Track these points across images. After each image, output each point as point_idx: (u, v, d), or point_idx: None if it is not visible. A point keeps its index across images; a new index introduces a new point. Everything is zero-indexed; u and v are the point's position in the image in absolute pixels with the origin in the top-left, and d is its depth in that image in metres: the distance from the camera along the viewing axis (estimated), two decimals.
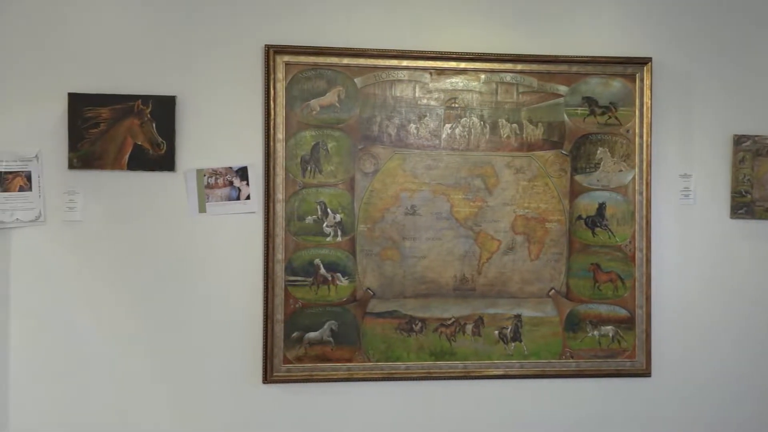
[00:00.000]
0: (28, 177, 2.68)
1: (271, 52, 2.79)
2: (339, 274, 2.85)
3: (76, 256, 2.73)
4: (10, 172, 2.67)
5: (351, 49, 2.85)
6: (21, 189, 2.68)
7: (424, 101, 2.88)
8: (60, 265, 2.73)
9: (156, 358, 2.78)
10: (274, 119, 2.80)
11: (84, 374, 2.75)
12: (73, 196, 2.72)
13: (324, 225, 2.84)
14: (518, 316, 2.92)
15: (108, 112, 2.71)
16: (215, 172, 2.78)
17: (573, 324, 2.94)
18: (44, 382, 2.73)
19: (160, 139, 2.73)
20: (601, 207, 2.94)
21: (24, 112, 2.70)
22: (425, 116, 2.88)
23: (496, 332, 2.91)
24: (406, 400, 2.90)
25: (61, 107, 2.70)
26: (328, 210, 2.84)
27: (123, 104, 2.71)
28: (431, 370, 2.89)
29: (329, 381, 2.85)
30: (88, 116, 2.70)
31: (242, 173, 2.79)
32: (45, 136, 2.71)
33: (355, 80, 2.85)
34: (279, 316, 2.81)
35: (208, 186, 2.78)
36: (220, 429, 2.81)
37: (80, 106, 2.69)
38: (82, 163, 2.70)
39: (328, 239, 2.84)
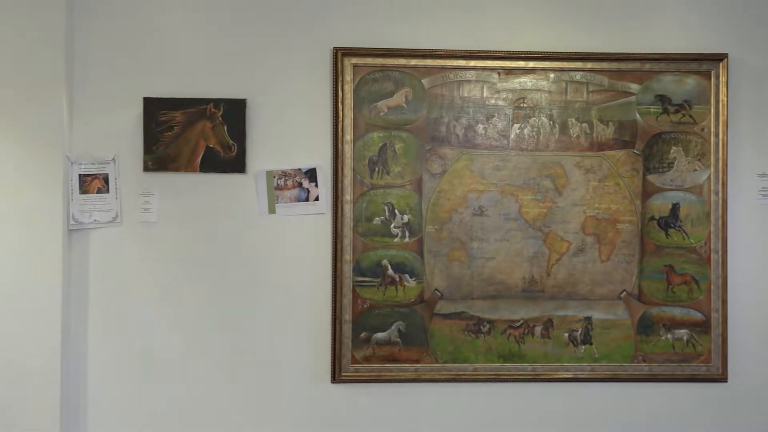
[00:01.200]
0: (106, 179, 2.76)
1: (340, 54, 2.81)
2: (406, 275, 2.85)
3: (150, 256, 2.80)
4: (89, 175, 2.76)
5: (419, 50, 2.84)
6: (99, 191, 2.76)
7: (492, 101, 2.86)
8: (135, 264, 2.80)
9: (226, 357, 2.83)
10: (343, 121, 2.82)
11: (157, 371, 2.82)
12: (148, 198, 2.78)
13: (392, 226, 2.84)
14: (588, 319, 2.87)
15: (181, 116, 2.76)
16: (285, 174, 2.82)
17: (645, 327, 2.87)
18: (119, 378, 2.81)
19: (231, 142, 2.78)
20: (675, 207, 2.87)
21: (102, 116, 2.78)
22: (493, 116, 2.86)
23: (566, 335, 2.87)
24: (474, 402, 2.89)
25: (137, 111, 2.77)
26: (396, 211, 2.84)
27: (195, 108, 2.77)
28: (499, 373, 2.86)
29: (397, 381, 2.85)
30: (162, 120, 2.76)
31: (311, 175, 2.82)
32: (122, 139, 2.78)
33: (423, 81, 2.85)
34: (347, 316, 2.83)
35: (278, 187, 2.81)
36: (289, 428, 2.84)
37: (155, 110, 2.76)
38: (156, 166, 2.77)
39: (395, 240, 2.84)
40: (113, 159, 2.78)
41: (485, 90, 2.86)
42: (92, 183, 2.76)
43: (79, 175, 2.75)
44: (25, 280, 2.67)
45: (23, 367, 2.67)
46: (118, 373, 2.81)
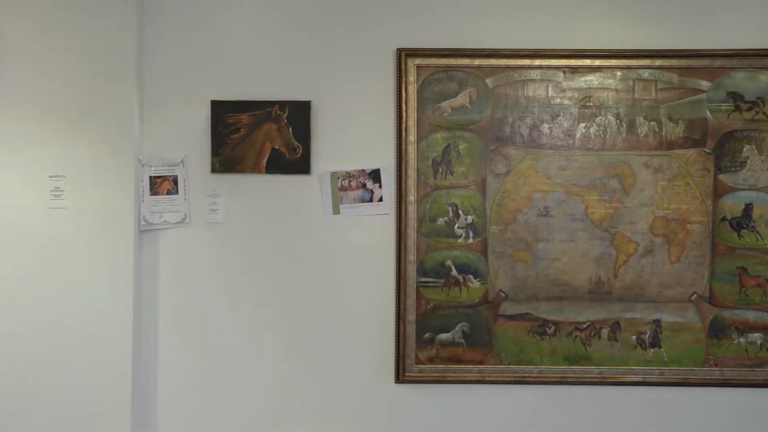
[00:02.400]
0: (175, 181, 2.82)
1: (403, 55, 2.81)
2: (470, 276, 2.83)
3: (218, 256, 2.85)
4: (159, 177, 2.82)
5: (482, 50, 2.83)
6: (168, 192, 2.82)
7: (558, 100, 2.83)
8: (203, 264, 2.85)
9: (292, 356, 2.86)
10: (406, 122, 2.82)
11: (224, 370, 2.86)
12: (216, 199, 2.83)
13: (455, 226, 2.83)
14: (657, 321, 2.81)
15: (247, 118, 2.80)
16: (349, 175, 2.83)
17: (717, 330, 2.80)
18: (189, 377, 2.86)
19: (296, 143, 2.81)
20: (748, 207, 2.79)
21: (171, 119, 2.84)
22: (558, 116, 2.83)
23: (634, 337, 2.82)
24: (539, 405, 2.86)
25: (205, 114, 2.82)
26: (460, 211, 2.83)
27: (261, 110, 2.80)
28: (565, 375, 2.83)
29: (461, 383, 2.84)
30: (229, 122, 2.80)
31: (375, 175, 2.83)
32: (190, 141, 2.83)
33: (487, 81, 2.83)
34: (411, 316, 2.83)
35: (342, 188, 2.83)
36: (352, 427, 2.86)
37: (222, 112, 2.80)
38: (223, 167, 2.81)
39: (459, 241, 2.83)
40: (182, 161, 2.83)
41: (550, 89, 2.83)
42: (162, 185, 2.82)
43: (150, 177, 2.81)
44: (98, 280, 2.74)
45: (95, 365, 2.74)
46: (187, 372, 2.86)
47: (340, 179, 2.83)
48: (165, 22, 2.84)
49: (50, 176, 2.72)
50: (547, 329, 2.83)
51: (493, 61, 2.83)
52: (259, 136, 2.81)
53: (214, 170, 2.82)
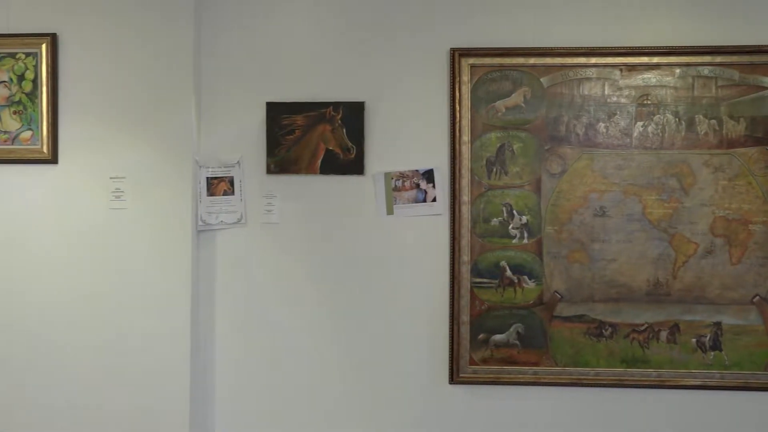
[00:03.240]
0: (231, 182, 2.86)
1: (457, 54, 2.80)
2: (525, 277, 2.81)
3: (273, 256, 2.88)
4: (216, 178, 2.86)
5: (537, 48, 2.80)
6: (225, 193, 2.86)
7: (614, 99, 2.79)
8: (259, 264, 2.88)
9: (345, 355, 2.87)
10: (460, 122, 2.81)
11: (279, 369, 2.89)
12: (271, 200, 2.86)
13: (510, 227, 2.81)
14: (718, 324, 2.75)
15: (302, 119, 2.83)
16: (402, 175, 2.83)
17: None
18: (245, 375, 2.90)
19: (350, 144, 2.82)
20: None
21: (228, 121, 2.89)
22: (615, 114, 2.78)
23: (694, 340, 2.76)
24: (595, 407, 2.82)
25: (260, 116, 2.85)
26: (514, 212, 2.81)
27: (316, 111, 2.82)
28: (622, 378, 2.78)
29: (515, 384, 2.82)
30: (284, 124, 2.83)
31: (428, 176, 2.83)
32: (246, 143, 2.87)
33: (542, 80, 2.80)
34: (465, 317, 2.82)
35: (396, 188, 2.83)
36: (406, 427, 2.86)
37: (277, 114, 2.83)
38: (279, 168, 2.84)
39: (514, 241, 2.81)
40: (238, 162, 2.87)
41: (607, 87, 2.79)
42: (219, 185, 2.86)
43: (207, 178, 2.85)
44: (157, 279, 2.79)
45: (154, 363, 2.80)
46: (243, 372, 2.90)
47: (393, 179, 2.84)
48: (222, 26, 2.88)
49: (111, 178, 2.78)
50: (603, 331, 2.79)
51: (548, 60, 2.80)
52: (313, 137, 2.83)
53: (269, 171, 2.85)
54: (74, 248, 2.81)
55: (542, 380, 2.80)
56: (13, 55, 2.79)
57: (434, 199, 2.83)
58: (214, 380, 2.90)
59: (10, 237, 2.82)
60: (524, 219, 2.81)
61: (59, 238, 2.81)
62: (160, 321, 2.79)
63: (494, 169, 2.82)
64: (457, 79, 2.80)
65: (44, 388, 2.83)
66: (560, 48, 2.79)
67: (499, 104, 2.81)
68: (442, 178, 2.82)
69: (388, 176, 2.84)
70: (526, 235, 2.81)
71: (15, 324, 2.84)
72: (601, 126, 2.79)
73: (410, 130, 2.84)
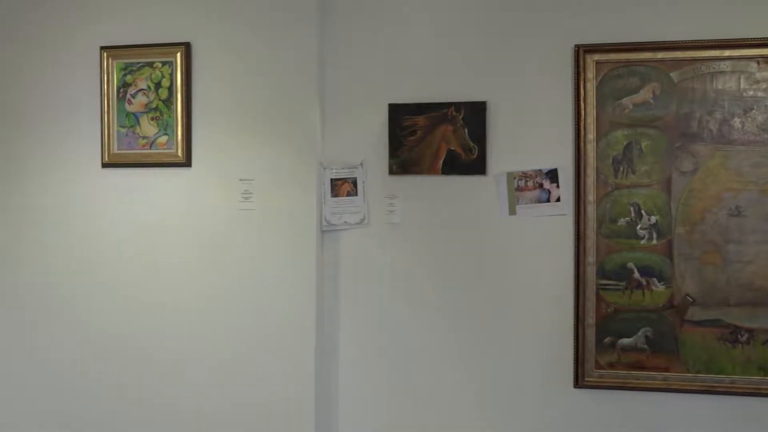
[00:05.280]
0: (354, 183, 2.91)
1: (581, 51, 2.74)
2: (654, 279, 2.72)
3: (395, 257, 2.91)
4: (340, 179, 2.92)
5: (666, 42, 2.70)
6: (348, 194, 2.91)
7: (751, 93, 2.65)
8: (382, 264, 2.92)
9: (468, 356, 2.87)
10: (585, 120, 2.75)
11: (401, 370, 2.92)
12: (393, 200, 2.89)
13: (638, 227, 2.73)
14: None
15: (424, 120, 2.84)
16: (525, 175, 2.80)
17: None
18: (368, 374, 2.95)
19: (471, 144, 2.81)
20: None
21: (351, 123, 2.94)
22: (752, 109, 2.65)
23: None
24: (730, 416, 2.69)
25: (383, 117, 2.89)
26: (642, 212, 2.72)
27: (437, 112, 2.83)
28: (760, 386, 2.65)
29: (643, 390, 2.73)
30: (406, 125, 2.86)
31: (552, 175, 2.78)
32: (369, 145, 2.91)
33: (671, 75, 2.70)
34: (590, 320, 2.76)
35: (519, 189, 2.80)
36: (528, 431, 2.81)
37: (399, 115, 2.86)
38: (401, 169, 2.87)
39: (642, 242, 2.72)
40: (361, 164, 2.91)
41: (742, 81, 2.66)
42: (342, 186, 2.91)
43: (331, 179, 2.92)
44: (282, 278, 2.87)
45: (280, 360, 2.88)
46: (365, 370, 2.94)
47: (516, 179, 2.81)
48: (344, 31, 2.94)
49: (240, 180, 2.88)
50: (739, 336, 2.66)
51: (678, 54, 2.70)
52: (435, 138, 2.84)
53: (391, 172, 2.88)
54: (205, 248, 2.93)
55: (672, 386, 2.70)
56: (150, 64, 2.94)
57: (558, 199, 2.78)
58: (338, 380, 2.95)
59: (148, 236, 2.98)
60: (653, 219, 2.72)
61: (192, 238, 2.94)
62: (286, 320, 2.87)
63: (621, 168, 2.74)
64: (582, 77, 2.74)
65: (171, 387, 2.97)
66: (690, 41, 2.68)
67: (626, 101, 2.73)
68: (566, 177, 2.77)
69: (510, 176, 2.81)
70: (654, 235, 2.72)
71: (147, 320, 2.99)
72: (737, 122, 2.66)
73: (533, 129, 2.80)
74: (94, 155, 3.02)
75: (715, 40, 2.67)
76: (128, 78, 2.96)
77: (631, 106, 2.73)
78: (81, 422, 3.06)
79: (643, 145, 2.72)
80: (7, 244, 3.13)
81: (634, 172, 2.73)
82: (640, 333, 2.73)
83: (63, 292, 3.07)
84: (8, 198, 3.12)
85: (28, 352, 3.11)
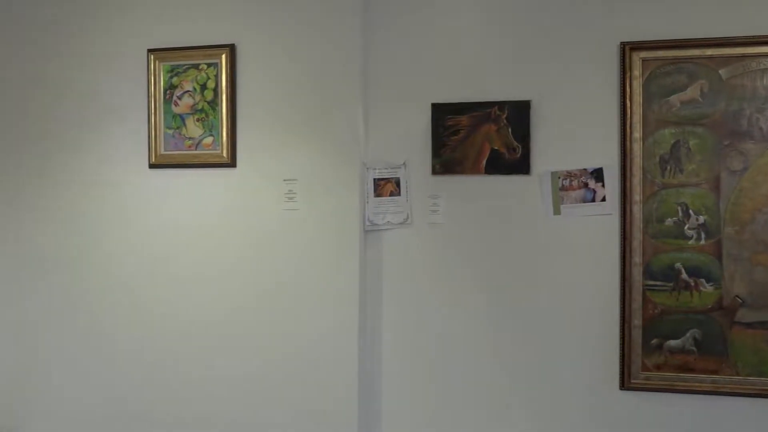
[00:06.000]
0: (397, 183, 2.91)
1: (627, 49, 2.71)
2: (702, 280, 2.67)
3: (438, 256, 2.90)
4: (383, 179, 2.92)
5: (714, 38, 2.65)
6: (391, 194, 2.92)
7: None
8: (424, 264, 2.92)
9: (512, 356, 2.85)
10: (631, 118, 2.71)
11: (445, 370, 2.91)
12: (436, 200, 2.89)
13: (685, 227, 2.68)
14: None
15: (467, 120, 2.83)
16: (570, 174, 2.77)
17: None
18: (411, 374, 2.94)
19: (515, 144, 2.79)
20: None
21: (393, 123, 2.94)
22: None
23: None
24: None
25: (425, 117, 2.89)
26: (690, 211, 2.68)
27: (481, 111, 2.82)
28: None
29: (691, 393, 2.69)
30: (449, 124, 2.85)
31: (597, 175, 2.75)
32: (411, 144, 2.92)
33: (720, 72, 2.65)
34: (636, 321, 2.72)
35: (563, 188, 2.78)
36: None
37: (442, 115, 2.86)
38: (443, 169, 2.87)
39: (690, 242, 2.68)
40: (404, 163, 2.92)
41: None
42: (385, 186, 2.92)
43: (374, 179, 2.93)
44: (326, 278, 2.89)
45: (324, 360, 2.90)
46: (408, 370, 2.94)
47: (560, 179, 2.78)
48: (387, 30, 2.94)
49: (285, 180, 2.91)
50: None
51: (727, 50, 2.65)
52: (478, 137, 2.83)
53: (434, 172, 2.88)
54: (249, 248, 2.97)
55: (722, 389, 2.65)
56: (196, 66, 2.98)
57: (603, 199, 2.75)
58: (381, 380, 2.96)
59: (193, 235, 3.03)
60: (701, 219, 2.67)
61: (236, 237, 2.98)
62: (329, 319, 2.89)
63: (668, 167, 2.70)
64: (628, 74, 2.71)
65: (214, 379, 3.01)
66: (740, 37, 2.63)
67: (674, 99, 2.69)
68: (611, 176, 2.73)
69: (554, 175, 2.79)
70: (703, 235, 2.67)
71: (191, 319, 3.04)
72: None
73: (578, 127, 2.78)
74: (141, 156, 3.08)
75: (766, 36, 2.61)
76: (174, 80, 3.01)
77: (678, 104, 2.69)
78: (130, 417, 3.12)
79: (691, 143, 2.68)
80: (59, 245, 3.20)
81: (681, 172, 2.69)
82: (688, 335, 2.69)
83: (110, 292, 3.13)
84: (59, 199, 3.19)
85: (86, 349, 3.18)
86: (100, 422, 3.15)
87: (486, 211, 2.86)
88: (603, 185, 2.75)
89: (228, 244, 2.98)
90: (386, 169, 2.93)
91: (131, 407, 3.11)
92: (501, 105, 2.81)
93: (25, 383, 3.26)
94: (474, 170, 2.85)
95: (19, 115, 3.23)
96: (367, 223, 2.93)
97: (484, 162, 2.84)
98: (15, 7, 3.23)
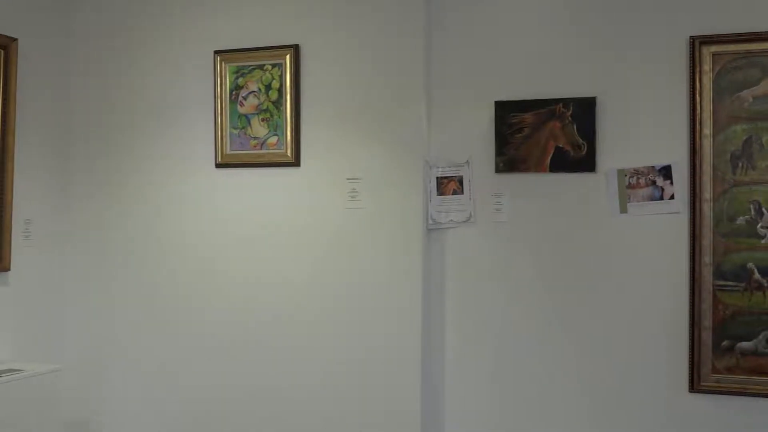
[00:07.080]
0: (460, 181, 2.91)
1: (697, 43, 2.65)
2: None
3: (502, 255, 2.89)
4: (445, 177, 2.92)
5: None
6: (454, 192, 2.91)
7: None
8: (488, 262, 2.91)
9: (576, 357, 2.81)
10: (700, 114, 2.65)
11: (509, 369, 2.89)
12: (500, 198, 2.87)
13: (758, 226, 2.61)
14: None
15: (531, 117, 2.81)
16: (637, 172, 2.73)
17: None
18: (474, 374, 2.94)
19: (580, 141, 2.76)
20: None
21: (457, 122, 2.94)
22: None
23: None
24: None
25: (488, 115, 2.88)
26: (763, 209, 2.60)
27: (545, 109, 2.80)
28: None
29: (764, 396, 2.60)
30: (512, 122, 2.84)
31: (665, 172, 2.70)
32: (474, 143, 2.91)
33: None
34: (706, 322, 2.66)
35: (630, 186, 2.73)
36: None
37: (505, 113, 2.84)
38: (507, 167, 2.85)
39: (763, 241, 2.61)
40: (467, 162, 2.91)
41: None
42: (448, 185, 2.92)
43: (437, 177, 2.93)
44: (389, 276, 2.90)
45: (387, 357, 2.90)
46: (471, 369, 2.93)
47: (627, 176, 2.74)
48: (450, 28, 2.94)
49: (348, 179, 2.94)
50: None
51: None
52: (542, 135, 2.80)
53: (498, 170, 2.87)
54: (314, 246, 3.00)
55: None
56: (261, 67, 3.04)
57: (672, 197, 2.69)
58: (444, 379, 2.95)
59: (258, 234, 3.08)
60: None
61: (301, 236, 3.01)
62: (393, 317, 2.90)
63: (740, 164, 2.63)
64: (698, 69, 2.65)
65: (277, 375, 3.05)
66: None
67: (746, 94, 2.62)
68: (680, 174, 2.68)
69: (621, 173, 2.74)
70: None
71: (257, 317, 3.09)
72: None
73: (645, 124, 2.73)
74: (208, 156, 3.15)
75: None
76: (240, 81, 3.07)
77: (750, 99, 2.62)
78: (203, 415, 3.19)
79: (764, 139, 2.61)
80: (126, 243, 3.29)
81: (754, 168, 2.62)
82: (761, 336, 2.61)
83: (179, 289, 3.21)
84: (128, 199, 3.29)
85: (150, 345, 3.27)
86: (174, 417, 3.23)
87: (550, 210, 2.83)
88: (671, 183, 2.70)
89: (292, 242, 3.02)
90: (449, 167, 2.93)
91: (204, 407, 3.16)
92: (566, 102, 2.78)
93: (101, 374, 3.36)
94: (538, 168, 2.82)
95: (99, 120, 3.35)
96: (430, 221, 2.93)
97: (549, 160, 2.81)
98: (93, 17, 3.34)
